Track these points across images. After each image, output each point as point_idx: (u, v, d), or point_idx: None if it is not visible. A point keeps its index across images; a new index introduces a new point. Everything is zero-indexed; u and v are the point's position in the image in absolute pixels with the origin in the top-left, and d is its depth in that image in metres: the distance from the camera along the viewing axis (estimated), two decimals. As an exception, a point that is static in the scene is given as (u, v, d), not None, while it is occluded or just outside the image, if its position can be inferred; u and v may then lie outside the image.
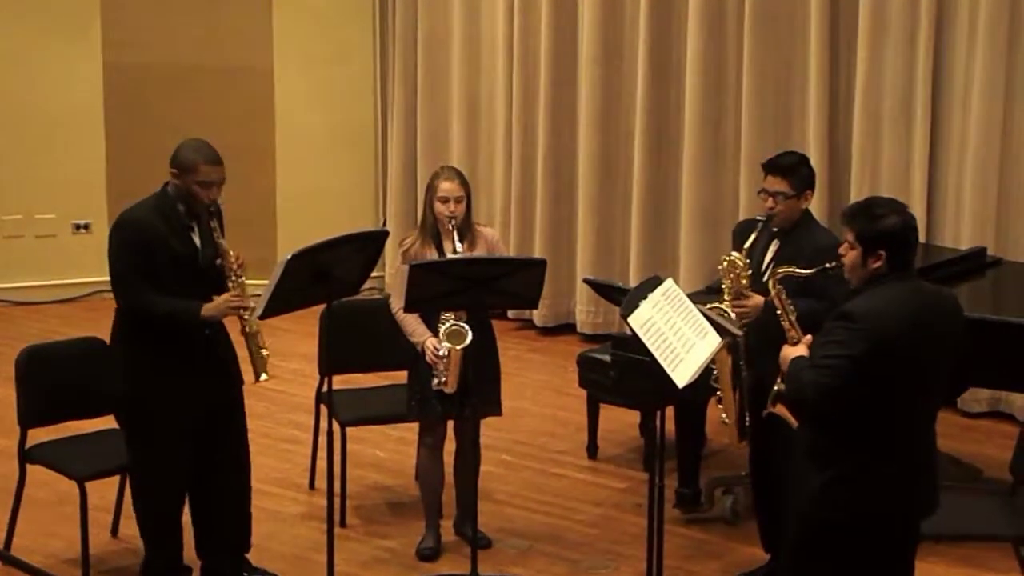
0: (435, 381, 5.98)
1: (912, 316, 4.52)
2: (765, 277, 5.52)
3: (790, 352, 4.71)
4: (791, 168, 5.90)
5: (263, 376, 5.68)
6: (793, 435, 4.75)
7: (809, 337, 4.72)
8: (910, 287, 4.60)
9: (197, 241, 5.62)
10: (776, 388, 4.73)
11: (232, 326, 5.69)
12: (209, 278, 5.61)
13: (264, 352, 5.65)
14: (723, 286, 5.79)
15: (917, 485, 4.62)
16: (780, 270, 5.36)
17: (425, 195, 6.13)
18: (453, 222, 5.98)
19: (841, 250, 4.67)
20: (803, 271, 5.33)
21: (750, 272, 5.74)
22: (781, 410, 4.79)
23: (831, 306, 4.72)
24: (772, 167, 5.93)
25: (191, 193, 5.55)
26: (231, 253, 5.61)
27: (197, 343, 5.63)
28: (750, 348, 5.67)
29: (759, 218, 5.95)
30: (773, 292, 5.29)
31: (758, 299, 5.70)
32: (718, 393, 5.69)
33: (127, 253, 5.55)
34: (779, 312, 5.24)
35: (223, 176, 5.60)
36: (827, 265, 5.00)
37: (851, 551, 4.61)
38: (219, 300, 5.57)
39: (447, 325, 5.91)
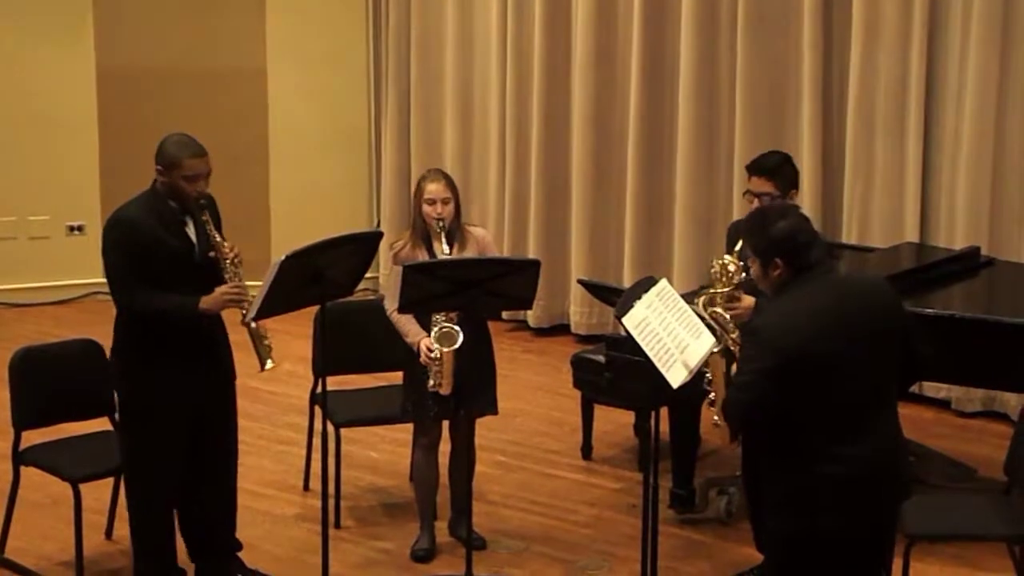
0: (431, 383, 5.98)
1: (823, 317, 4.49)
2: (697, 306, 5.54)
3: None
4: (775, 169, 5.89)
5: (268, 364, 5.66)
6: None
7: None
8: (818, 287, 4.56)
9: (192, 235, 5.62)
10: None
11: (232, 319, 5.68)
12: (207, 272, 5.60)
13: (267, 341, 5.65)
14: (711, 290, 5.77)
15: (873, 482, 4.56)
16: (709, 291, 5.36)
17: (413, 197, 6.15)
18: (441, 223, 5.98)
19: (748, 264, 4.70)
20: (722, 291, 5.33)
21: (743, 275, 5.73)
22: None
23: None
24: (756, 168, 5.91)
25: (178, 188, 5.54)
26: (225, 245, 5.60)
27: (195, 341, 5.63)
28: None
29: (747, 221, 5.93)
30: (707, 315, 5.29)
31: (750, 300, 5.69)
32: (711, 396, 5.68)
33: (121, 252, 5.54)
34: (719, 333, 5.24)
35: (208, 168, 5.59)
36: (737, 281, 5.02)
37: (822, 559, 4.59)
38: (216, 292, 5.56)
39: (439, 327, 5.91)
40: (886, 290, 4.73)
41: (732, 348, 5.23)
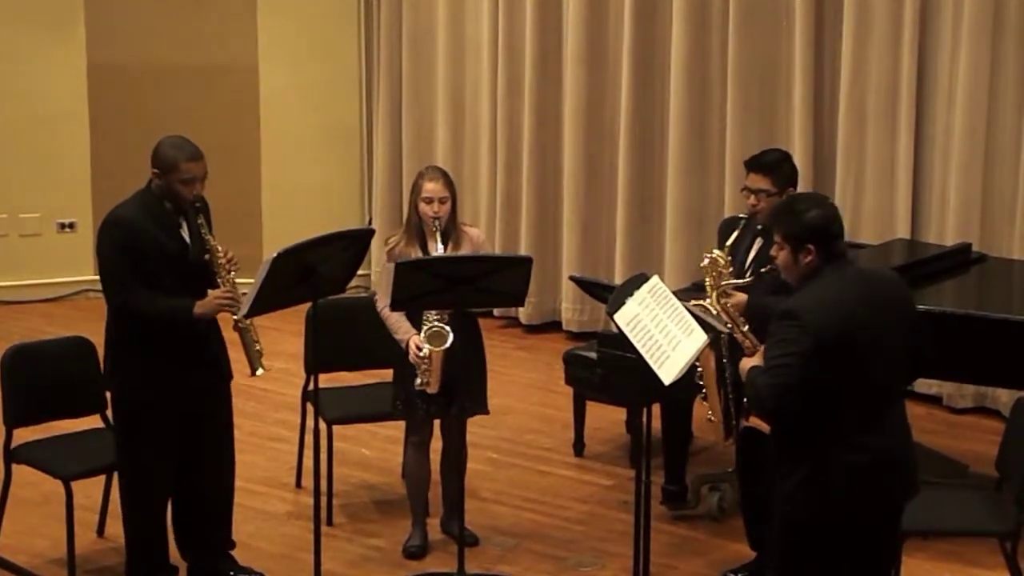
0: (418, 381, 5.97)
1: (853, 304, 4.55)
2: (712, 297, 5.54)
3: (747, 363, 4.75)
4: (773, 165, 5.90)
5: (259, 370, 5.66)
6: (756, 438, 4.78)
7: (764, 346, 4.74)
8: (847, 275, 4.64)
9: (186, 237, 5.61)
10: (745, 400, 4.76)
11: (225, 322, 5.68)
12: (201, 274, 5.60)
13: (258, 347, 5.65)
14: (706, 284, 5.79)
15: (889, 472, 4.62)
16: (723, 283, 5.34)
17: (410, 195, 6.13)
18: (437, 223, 5.97)
19: (772, 252, 4.72)
20: (742, 281, 5.32)
21: (731, 270, 5.75)
22: (755, 420, 4.82)
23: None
24: (754, 165, 5.93)
25: (174, 191, 5.54)
26: (219, 249, 5.60)
27: (190, 341, 5.62)
28: (732, 345, 5.68)
29: (741, 216, 5.95)
30: (719, 306, 5.28)
31: (741, 297, 5.70)
32: (703, 391, 5.70)
33: (117, 253, 5.53)
34: (729, 326, 5.23)
35: (205, 170, 5.59)
36: (762, 270, 5.02)
37: (833, 547, 4.61)
38: (209, 297, 5.56)
39: (428, 326, 5.90)
40: (901, 284, 4.80)
41: (742, 340, 5.22)
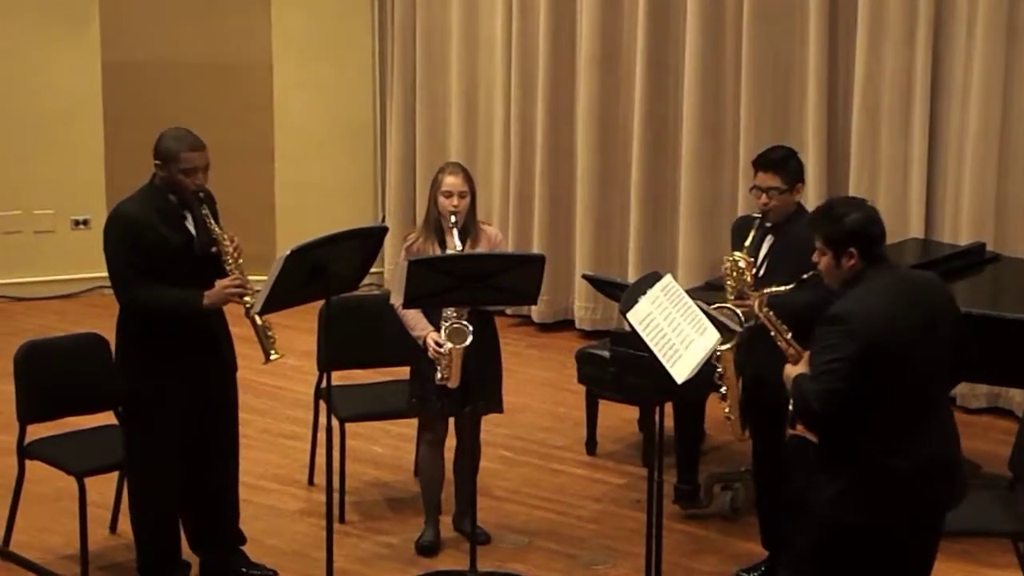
0: (438, 376, 5.97)
1: (899, 306, 4.53)
2: (754, 304, 5.52)
3: (792, 370, 4.71)
4: (781, 162, 5.89)
5: (273, 355, 5.66)
6: (798, 444, 4.75)
7: (808, 353, 4.71)
8: (891, 278, 4.62)
9: (192, 229, 5.61)
10: (792, 408, 4.72)
11: (235, 311, 5.68)
12: (207, 265, 5.60)
13: (270, 333, 5.64)
14: (727, 286, 5.77)
15: (934, 478, 4.59)
16: (764, 291, 5.33)
17: (430, 190, 6.13)
18: (455, 218, 5.97)
19: (814, 258, 4.69)
20: (783, 288, 5.29)
21: (754, 271, 5.73)
22: (802, 429, 4.79)
23: (829, 295, 4.73)
24: (762, 163, 5.92)
25: (177, 182, 5.54)
26: (226, 238, 5.60)
27: (197, 335, 5.63)
28: (749, 344, 5.67)
29: (755, 215, 5.94)
30: (762, 314, 5.25)
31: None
32: (722, 389, 5.68)
33: (122, 248, 5.54)
34: (773, 333, 5.19)
35: (207, 160, 5.59)
36: (803, 276, 5.00)
37: (873, 551, 4.59)
38: (218, 286, 5.56)
39: (449, 323, 5.90)
40: (944, 288, 4.79)
41: (786, 348, 5.15)
